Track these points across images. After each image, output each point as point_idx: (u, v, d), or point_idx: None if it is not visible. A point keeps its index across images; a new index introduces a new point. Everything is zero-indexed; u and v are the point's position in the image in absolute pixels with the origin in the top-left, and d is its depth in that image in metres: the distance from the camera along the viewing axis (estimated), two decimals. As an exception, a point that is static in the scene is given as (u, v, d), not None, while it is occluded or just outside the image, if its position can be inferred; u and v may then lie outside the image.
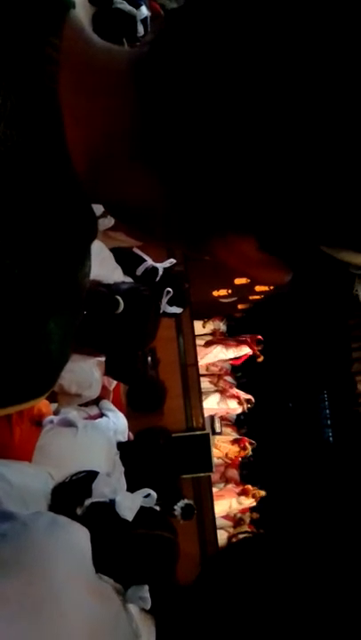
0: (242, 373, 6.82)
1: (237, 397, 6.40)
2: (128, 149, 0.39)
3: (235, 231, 0.40)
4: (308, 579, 0.40)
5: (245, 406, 6.44)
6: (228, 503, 6.07)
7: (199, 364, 5.42)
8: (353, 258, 0.40)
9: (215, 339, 6.55)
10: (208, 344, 6.43)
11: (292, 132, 0.34)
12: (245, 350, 6.46)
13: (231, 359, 6.50)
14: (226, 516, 6.04)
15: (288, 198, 0.36)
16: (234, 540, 5.86)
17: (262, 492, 6.20)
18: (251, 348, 6.45)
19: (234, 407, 6.41)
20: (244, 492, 6.22)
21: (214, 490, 5.61)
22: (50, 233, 0.38)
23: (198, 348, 5.52)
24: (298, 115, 0.33)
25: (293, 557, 0.43)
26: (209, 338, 6.67)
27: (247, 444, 6.36)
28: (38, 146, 0.37)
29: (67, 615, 0.37)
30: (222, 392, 6.37)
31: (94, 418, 2.16)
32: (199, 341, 6.09)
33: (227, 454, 6.32)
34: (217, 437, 6.24)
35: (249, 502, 6.18)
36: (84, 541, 0.46)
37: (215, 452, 5.99)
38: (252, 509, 6.24)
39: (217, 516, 5.48)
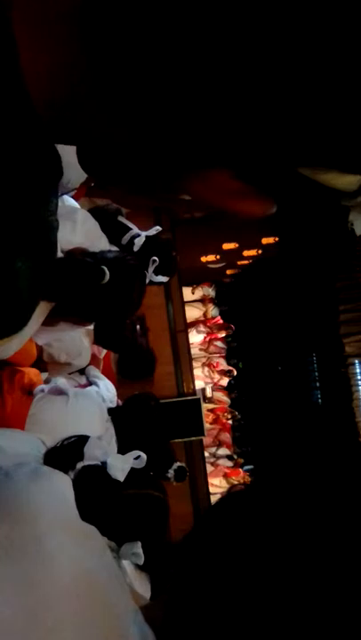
0: (232, 338, 6.87)
1: (217, 367, 6.49)
2: (88, 94, 0.36)
3: (205, 165, 0.37)
4: (300, 534, 0.41)
5: (227, 376, 6.53)
6: (218, 481, 6.20)
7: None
8: (337, 179, 0.36)
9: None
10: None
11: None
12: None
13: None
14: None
15: (258, 116, 0.33)
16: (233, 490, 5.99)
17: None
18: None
19: (217, 378, 6.51)
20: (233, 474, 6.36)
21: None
22: (9, 170, 0.37)
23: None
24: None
25: (287, 511, 0.44)
26: (200, 305, 6.71)
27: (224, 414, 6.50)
28: None
29: (52, 557, 0.38)
30: (208, 365, 6.45)
31: (84, 386, 2.18)
32: (190, 310, 6.13)
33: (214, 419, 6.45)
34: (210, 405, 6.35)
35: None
36: (66, 487, 0.47)
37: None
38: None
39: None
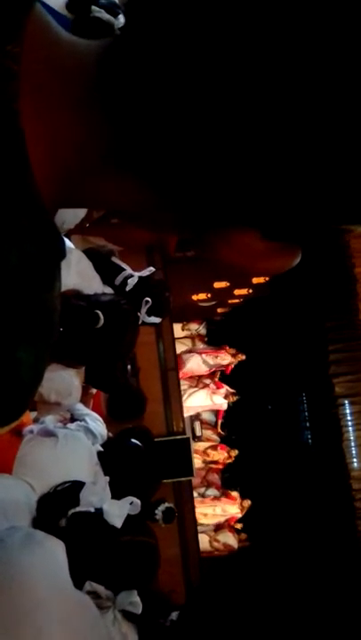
0: (221, 376, 6.84)
1: (221, 388, 6.36)
2: (105, 161, 0.37)
3: (235, 226, 0.36)
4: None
5: (231, 399, 6.40)
6: (212, 510, 6.07)
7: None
8: None
9: (193, 348, 6.52)
10: (186, 352, 6.41)
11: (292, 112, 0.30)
12: (226, 360, 6.43)
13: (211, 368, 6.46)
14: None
15: (296, 184, 0.33)
16: (215, 543, 5.87)
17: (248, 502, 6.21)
18: (232, 356, 6.43)
19: (220, 402, 6.36)
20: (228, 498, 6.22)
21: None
22: (11, 263, 0.36)
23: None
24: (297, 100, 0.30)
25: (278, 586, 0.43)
26: (189, 342, 6.68)
27: (227, 452, 6.40)
28: None
29: (44, 630, 0.37)
30: (207, 388, 6.34)
31: (70, 421, 2.15)
32: (179, 346, 6.09)
33: (217, 461, 6.35)
34: (198, 444, 6.25)
35: (235, 511, 6.16)
36: (59, 554, 0.45)
37: (197, 458, 6.00)
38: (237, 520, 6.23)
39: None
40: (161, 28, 0.33)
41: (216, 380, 6.43)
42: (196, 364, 6.28)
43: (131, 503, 1.37)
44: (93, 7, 2.16)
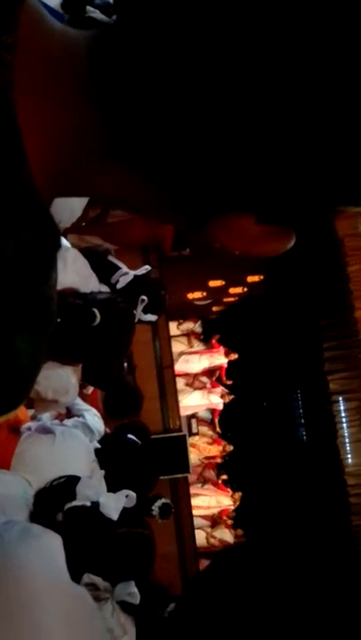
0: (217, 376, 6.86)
1: (217, 387, 6.40)
2: (101, 150, 0.37)
3: (232, 211, 0.37)
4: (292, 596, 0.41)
5: (227, 398, 6.44)
6: (207, 502, 6.12)
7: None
8: None
9: (182, 352, 6.53)
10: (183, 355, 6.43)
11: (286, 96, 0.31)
12: (220, 360, 6.45)
13: (206, 368, 6.48)
14: (204, 516, 6.08)
15: (291, 165, 0.33)
16: (211, 539, 5.90)
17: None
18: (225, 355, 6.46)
19: (217, 402, 6.40)
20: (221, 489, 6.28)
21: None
22: (8, 253, 0.36)
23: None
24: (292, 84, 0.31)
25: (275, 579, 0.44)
26: (185, 340, 6.69)
27: (222, 446, 6.43)
28: None
29: (42, 624, 0.38)
30: (203, 388, 6.38)
31: (67, 417, 2.17)
32: (175, 344, 6.11)
33: (214, 456, 6.38)
34: (195, 438, 6.28)
35: (228, 503, 6.22)
36: (57, 548, 0.46)
37: (195, 453, 6.03)
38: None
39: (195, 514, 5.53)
40: (150, 16, 0.33)
41: (213, 380, 6.45)
42: (185, 366, 6.31)
43: (126, 496, 1.40)
44: (88, 7, 2.17)
